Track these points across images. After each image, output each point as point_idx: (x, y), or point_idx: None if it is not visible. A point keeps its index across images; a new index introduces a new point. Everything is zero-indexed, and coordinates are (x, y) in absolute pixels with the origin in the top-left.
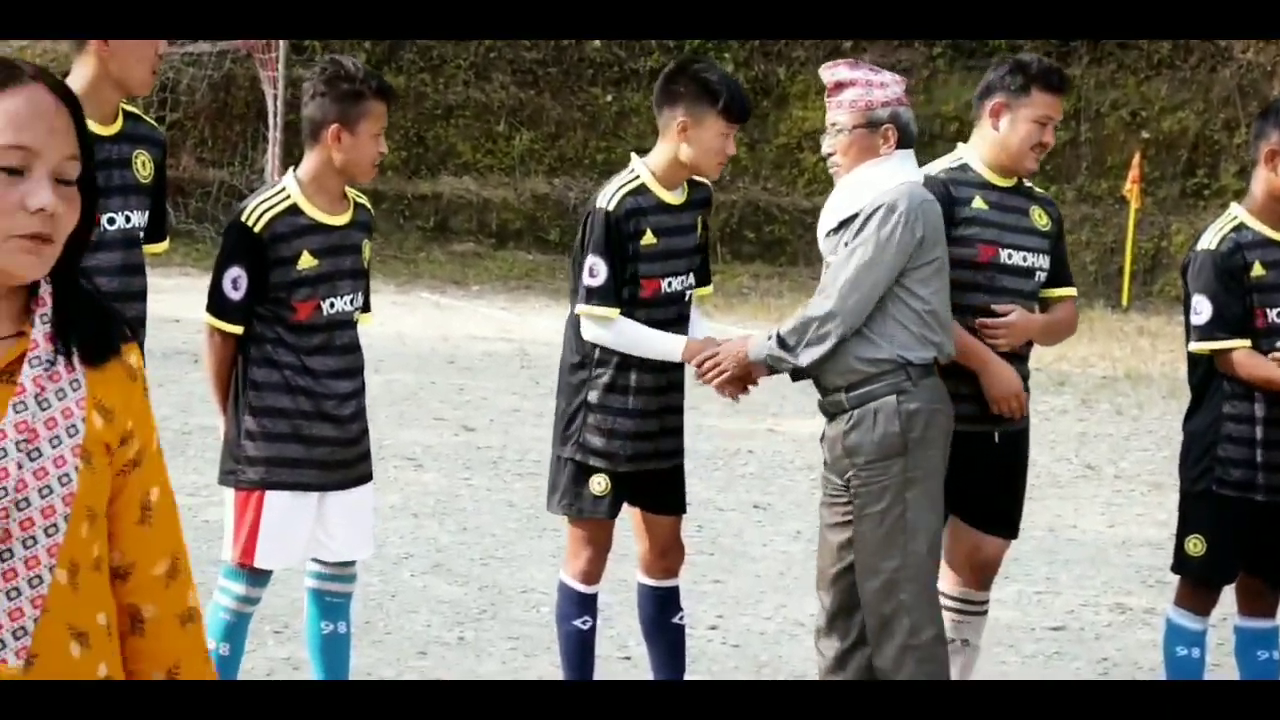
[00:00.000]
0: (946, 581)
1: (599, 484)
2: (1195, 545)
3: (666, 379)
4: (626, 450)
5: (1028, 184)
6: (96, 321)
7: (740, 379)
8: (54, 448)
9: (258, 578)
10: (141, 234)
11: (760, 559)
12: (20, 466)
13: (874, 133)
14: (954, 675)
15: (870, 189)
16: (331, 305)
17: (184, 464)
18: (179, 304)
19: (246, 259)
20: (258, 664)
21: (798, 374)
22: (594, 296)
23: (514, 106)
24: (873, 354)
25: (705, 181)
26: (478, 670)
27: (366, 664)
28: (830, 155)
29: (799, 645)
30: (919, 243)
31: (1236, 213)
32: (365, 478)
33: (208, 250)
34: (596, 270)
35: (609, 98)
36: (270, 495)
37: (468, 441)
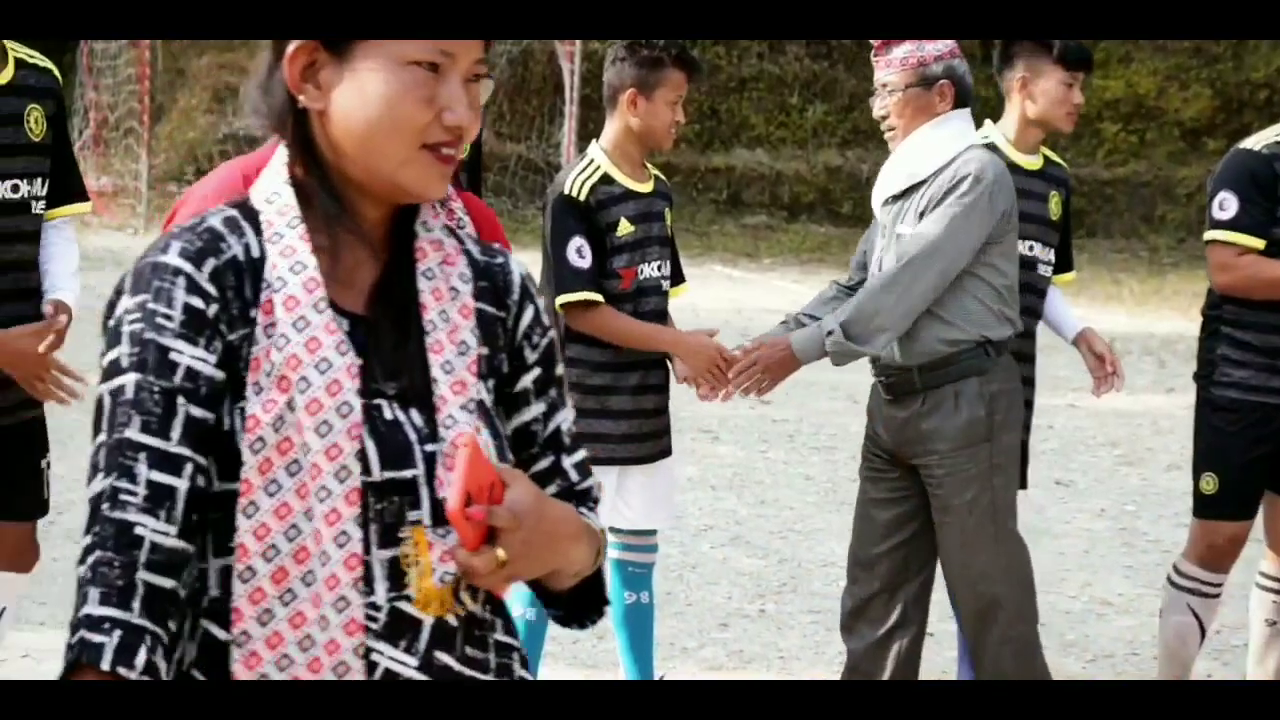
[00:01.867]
0: (1267, 562)
1: None
2: None
3: None
4: None
5: None
6: None
7: (778, 378)
8: None
9: None
10: None
11: (1063, 536)
12: None
13: (929, 90)
14: (1276, 659)
15: (934, 153)
16: (642, 272)
17: None
18: None
19: (582, 226)
20: (559, 633)
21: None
22: None
23: (807, 79)
24: (952, 335)
25: (1059, 161)
26: (779, 643)
27: (669, 635)
28: (884, 118)
29: (1106, 624)
30: (1001, 216)
31: None
32: (666, 451)
33: (505, 224)
34: None
35: None
36: None
37: (763, 414)
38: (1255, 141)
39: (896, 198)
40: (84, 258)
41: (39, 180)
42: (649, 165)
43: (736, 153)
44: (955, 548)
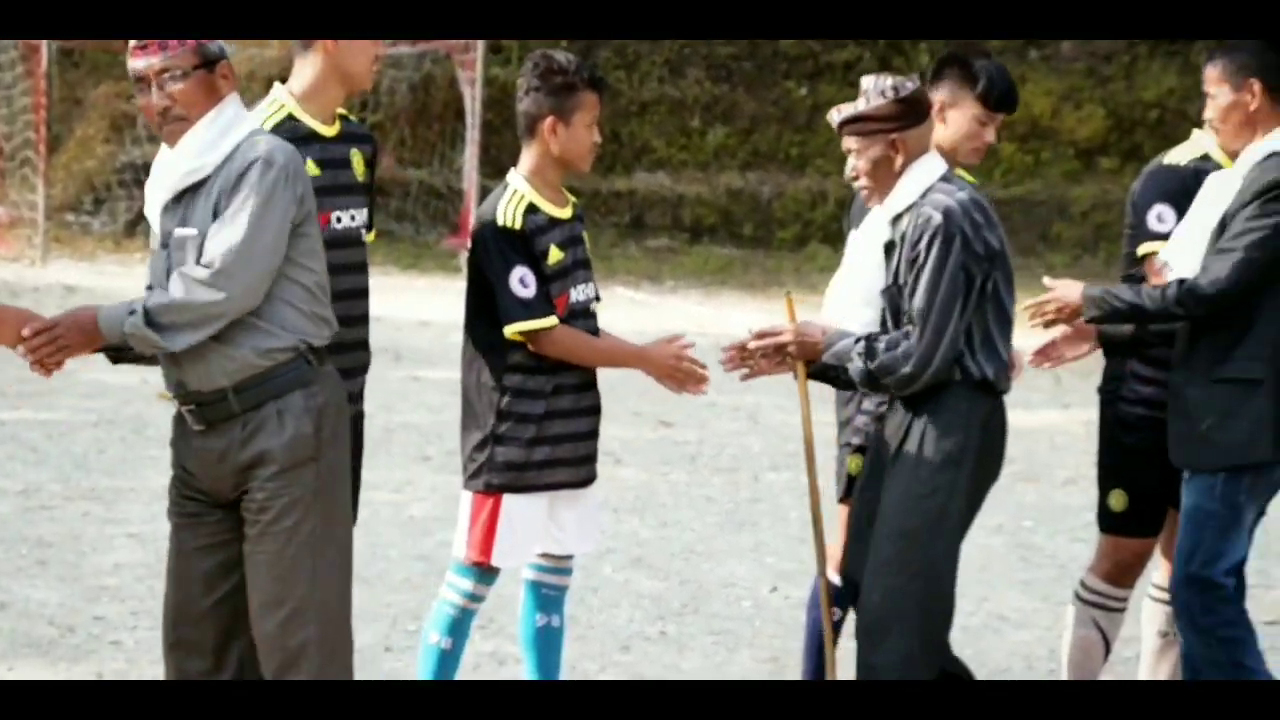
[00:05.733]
0: (1160, 574)
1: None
2: None
3: None
4: None
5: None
6: None
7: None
8: None
9: (488, 575)
10: (364, 231)
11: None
12: None
13: (212, 72)
14: (1168, 669)
15: (219, 143)
16: (572, 296)
17: (388, 460)
18: (379, 303)
19: (522, 257)
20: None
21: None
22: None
23: (708, 102)
24: (268, 344)
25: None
26: (681, 666)
27: (570, 658)
28: (168, 109)
29: (1002, 639)
30: (300, 202)
31: None
32: (595, 476)
33: (407, 249)
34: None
35: (803, 91)
36: (508, 498)
37: (665, 437)
38: (1178, 156)
39: (178, 199)
40: None
41: None
42: (565, 191)
43: (638, 176)
44: (267, 582)
